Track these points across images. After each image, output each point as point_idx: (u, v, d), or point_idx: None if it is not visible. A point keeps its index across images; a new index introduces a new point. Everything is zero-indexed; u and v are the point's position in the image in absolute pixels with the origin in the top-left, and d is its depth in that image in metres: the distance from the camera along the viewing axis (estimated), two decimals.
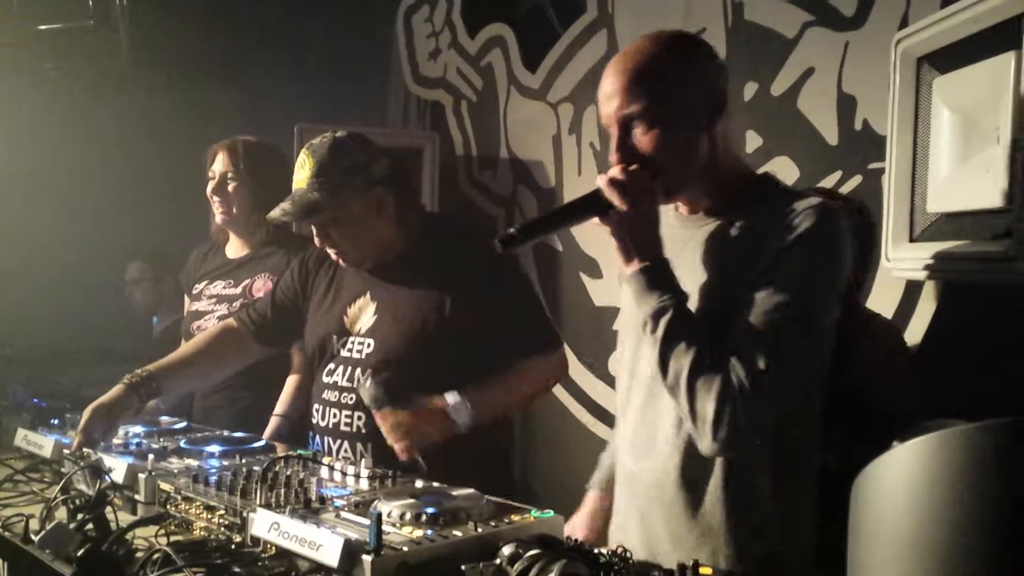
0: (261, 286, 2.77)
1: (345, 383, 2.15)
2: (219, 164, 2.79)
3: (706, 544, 1.52)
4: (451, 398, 1.99)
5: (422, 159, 3.56)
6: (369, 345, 2.14)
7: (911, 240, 1.78)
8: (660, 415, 1.57)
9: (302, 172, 2.08)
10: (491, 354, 2.10)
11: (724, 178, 1.56)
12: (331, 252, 2.16)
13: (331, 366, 2.20)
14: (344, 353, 2.17)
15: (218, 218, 2.81)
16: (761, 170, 2.40)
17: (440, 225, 2.35)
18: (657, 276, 1.46)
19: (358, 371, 2.13)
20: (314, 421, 2.22)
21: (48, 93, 3.84)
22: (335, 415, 2.15)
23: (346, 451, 2.11)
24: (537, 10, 3.34)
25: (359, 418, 2.10)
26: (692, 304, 1.48)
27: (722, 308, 1.46)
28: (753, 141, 2.61)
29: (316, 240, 2.15)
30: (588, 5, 3.14)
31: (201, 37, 3.94)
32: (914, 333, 2.15)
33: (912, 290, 2.16)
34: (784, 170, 2.50)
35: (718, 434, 1.39)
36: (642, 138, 1.49)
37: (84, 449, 1.91)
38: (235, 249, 2.89)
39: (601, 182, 1.48)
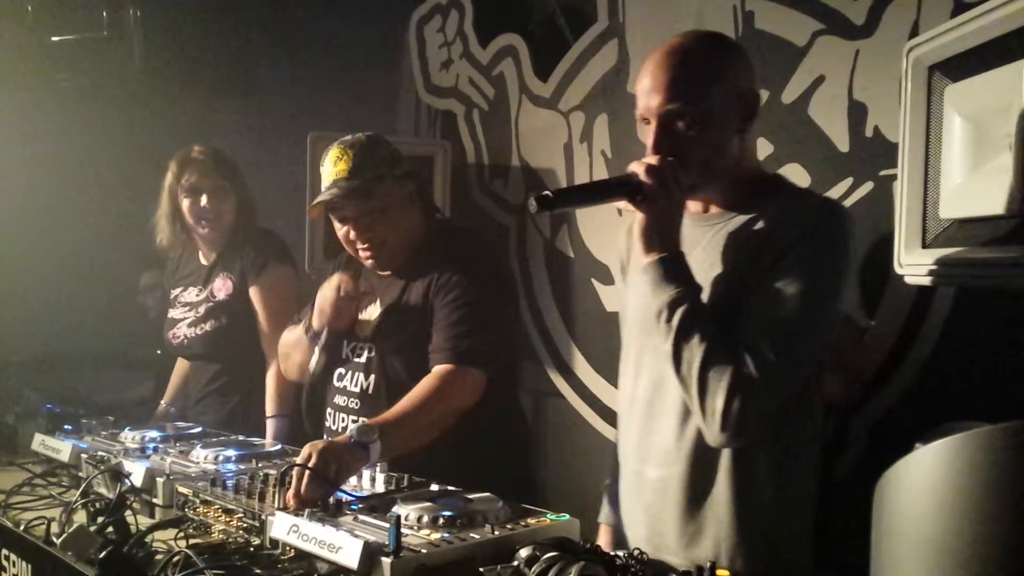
0: (220, 286, 2.82)
1: (353, 388, 2.20)
2: (203, 177, 2.80)
3: (710, 535, 1.57)
4: (352, 428, 1.85)
5: (434, 167, 3.57)
6: (371, 350, 2.19)
7: (924, 246, 1.79)
8: (665, 412, 1.61)
9: (341, 164, 2.10)
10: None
11: (741, 178, 1.61)
12: (362, 251, 2.18)
13: (341, 371, 2.25)
14: (354, 359, 2.22)
15: (204, 231, 2.82)
16: None
17: (449, 229, 2.39)
18: (675, 267, 1.51)
19: (360, 375, 2.19)
20: (327, 425, 2.25)
21: (62, 103, 3.87)
22: (343, 419, 2.20)
23: None
24: (548, 20, 3.36)
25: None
26: (704, 300, 1.52)
27: (733, 303, 1.51)
28: (764, 148, 2.62)
29: (352, 234, 2.15)
30: (599, 15, 3.15)
31: (213, 47, 3.96)
32: (926, 338, 2.16)
33: (924, 295, 2.17)
34: (795, 177, 2.51)
35: (727, 426, 1.44)
36: (680, 134, 1.54)
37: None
38: (206, 254, 2.92)
39: (638, 168, 1.53)
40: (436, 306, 2.11)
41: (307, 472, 1.63)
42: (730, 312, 1.51)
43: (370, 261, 2.20)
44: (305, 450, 1.73)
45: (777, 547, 1.57)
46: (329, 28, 4.09)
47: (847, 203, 2.34)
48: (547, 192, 1.53)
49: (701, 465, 1.57)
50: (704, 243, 1.61)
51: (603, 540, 1.86)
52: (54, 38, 3.63)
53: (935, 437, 0.74)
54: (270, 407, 2.69)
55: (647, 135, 1.57)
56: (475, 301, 2.09)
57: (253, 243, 2.80)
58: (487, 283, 2.15)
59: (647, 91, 1.56)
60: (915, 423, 1.79)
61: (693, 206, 1.67)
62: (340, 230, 2.19)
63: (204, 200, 2.79)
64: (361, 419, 1.96)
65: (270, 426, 2.66)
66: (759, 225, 1.54)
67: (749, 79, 1.61)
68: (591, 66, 3.18)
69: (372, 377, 2.16)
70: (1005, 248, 1.58)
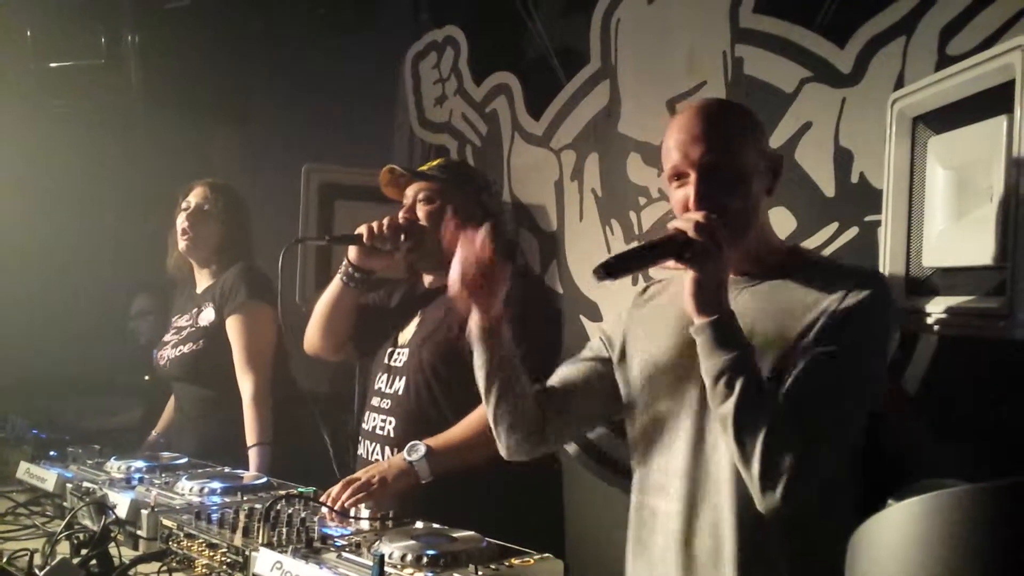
0: (202, 313, 2.87)
1: (388, 390, 2.29)
2: (197, 197, 2.92)
3: None
4: (408, 448, 2.06)
5: None
6: (410, 355, 2.28)
7: (907, 293, 1.81)
8: (711, 469, 1.56)
9: (431, 163, 2.40)
10: None
11: (767, 242, 1.61)
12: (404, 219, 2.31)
13: (379, 374, 2.36)
14: (391, 363, 2.33)
15: (182, 245, 2.89)
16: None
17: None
18: (729, 329, 1.45)
19: (396, 378, 2.28)
20: (363, 427, 2.36)
21: (58, 129, 3.89)
22: (373, 419, 2.31)
23: (377, 454, 2.23)
24: (542, 60, 3.41)
25: (390, 423, 2.24)
26: None
27: (773, 367, 1.47)
28: None
29: (406, 207, 2.33)
30: (592, 56, 3.20)
31: (210, 76, 4.00)
32: (908, 386, 2.18)
33: (907, 343, 2.19)
34: (782, 221, 2.54)
35: (787, 493, 1.38)
36: (720, 188, 1.50)
37: None
38: (201, 283, 2.99)
39: (685, 224, 1.46)
40: None
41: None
42: (770, 376, 1.46)
43: (406, 239, 2.29)
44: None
45: None
46: (326, 61, 4.13)
47: (832, 248, 2.38)
48: (609, 259, 1.49)
49: (750, 536, 1.51)
50: (736, 307, 1.54)
51: None
52: (52, 64, 3.67)
53: (909, 494, 0.75)
54: (251, 436, 2.67)
55: (676, 191, 1.52)
56: (537, 336, 2.16)
57: (234, 276, 2.83)
58: (543, 314, 2.29)
59: (683, 144, 1.51)
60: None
61: None
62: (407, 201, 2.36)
63: (189, 211, 2.86)
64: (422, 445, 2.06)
65: (252, 456, 2.64)
66: (790, 291, 1.52)
67: (767, 143, 1.61)
68: (583, 106, 3.22)
69: (404, 379, 2.25)
70: (986, 298, 1.61)
